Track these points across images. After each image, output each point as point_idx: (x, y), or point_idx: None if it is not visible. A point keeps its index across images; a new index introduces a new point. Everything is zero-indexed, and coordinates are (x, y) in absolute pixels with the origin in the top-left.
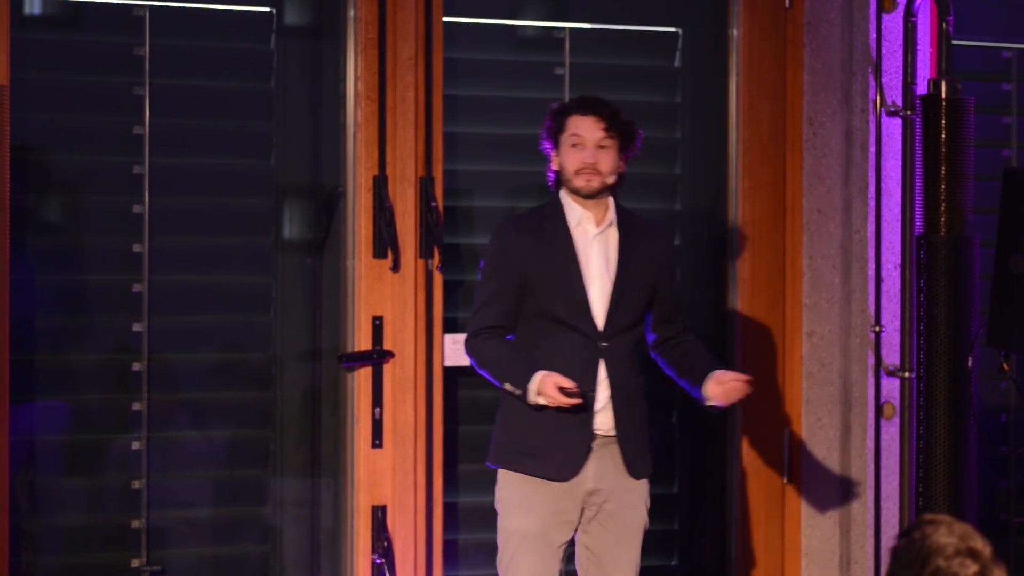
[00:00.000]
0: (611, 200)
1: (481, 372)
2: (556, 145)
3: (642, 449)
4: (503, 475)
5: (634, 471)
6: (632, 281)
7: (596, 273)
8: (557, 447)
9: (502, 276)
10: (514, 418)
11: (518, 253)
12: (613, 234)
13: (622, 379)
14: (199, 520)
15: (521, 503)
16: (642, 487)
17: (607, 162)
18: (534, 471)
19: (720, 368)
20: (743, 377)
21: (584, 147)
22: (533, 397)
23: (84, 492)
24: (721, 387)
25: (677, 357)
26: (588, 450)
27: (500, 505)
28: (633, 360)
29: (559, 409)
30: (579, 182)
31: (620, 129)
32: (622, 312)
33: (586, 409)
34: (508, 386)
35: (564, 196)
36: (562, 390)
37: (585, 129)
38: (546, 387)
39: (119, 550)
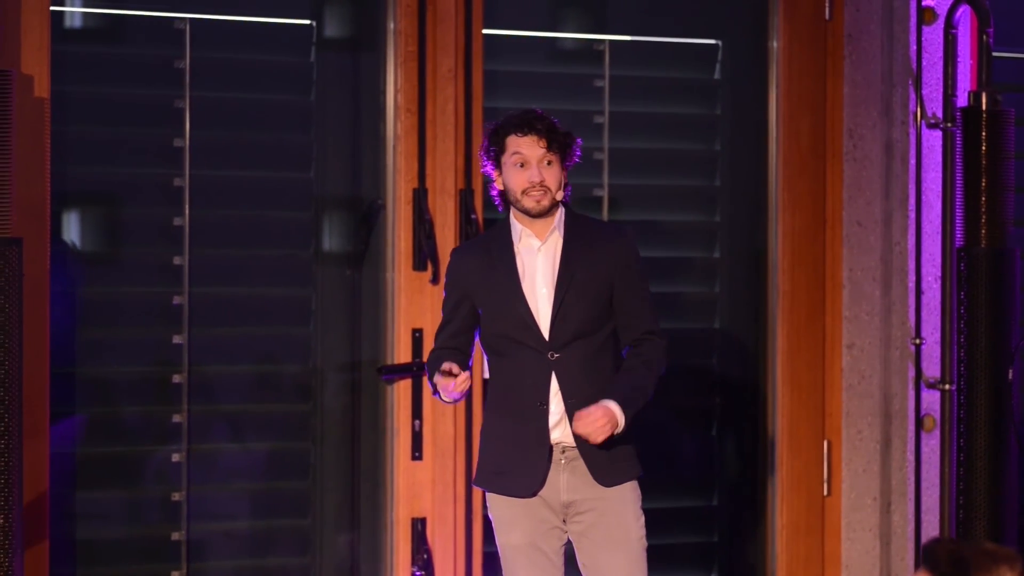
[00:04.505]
0: (560, 211)
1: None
2: (497, 165)
3: (613, 456)
4: (487, 494)
5: (602, 480)
6: (577, 288)
7: (541, 285)
8: (519, 464)
9: (452, 300)
10: (486, 439)
11: (464, 276)
12: (558, 244)
13: (575, 389)
14: (239, 532)
15: (504, 519)
16: (621, 494)
17: (553, 178)
18: (504, 489)
19: (615, 398)
20: (583, 414)
21: (529, 166)
22: (443, 397)
23: (124, 504)
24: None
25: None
26: (547, 464)
27: (492, 524)
28: (590, 368)
29: (524, 411)
30: (529, 202)
31: (560, 143)
32: (568, 321)
33: (555, 407)
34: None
35: (513, 214)
36: (444, 374)
37: (527, 147)
38: (434, 377)
39: (159, 562)
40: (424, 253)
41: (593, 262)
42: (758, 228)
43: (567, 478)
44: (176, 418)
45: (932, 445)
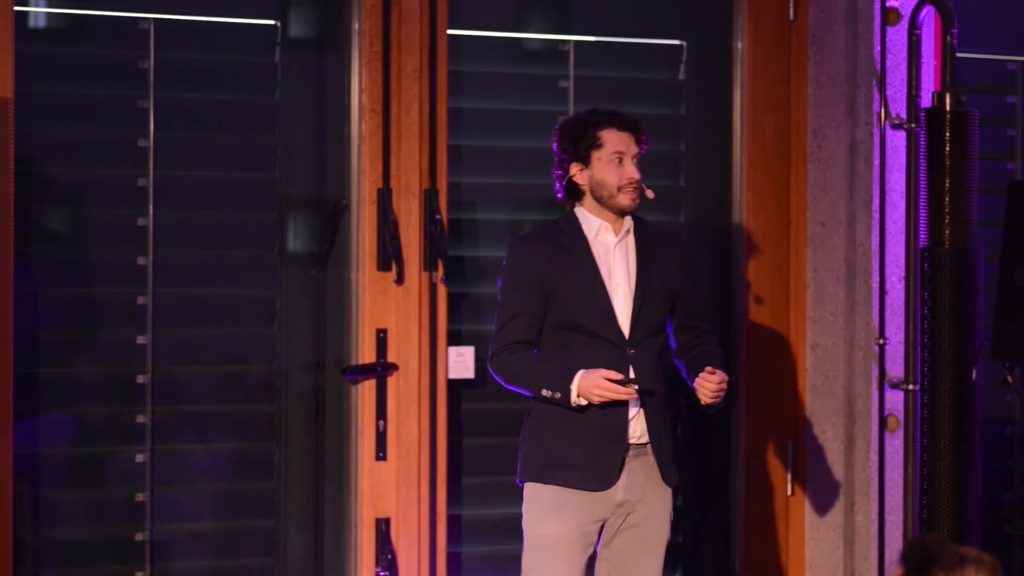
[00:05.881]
0: None
1: (511, 387)
2: (586, 160)
3: (672, 456)
4: (533, 488)
5: (667, 478)
6: (652, 288)
7: (618, 281)
8: (592, 458)
9: (525, 290)
10: (546, 431)
11: (539, 266)
12: (631, 243)
13: (651, 386)
14: (203, 533)
15: (553, 511)
16: (668, 499)
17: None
18: (569, 482)
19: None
20: (709, 371)
21: (627, 163)
22: (575, 399)
23: (88, 505)
24: (700, 385)
25: (691, 360)
26: (623, 460)
27: (529, 516)
28: (659, 367)
29: (604, 405)
30: (625, 199)
31: (647, 145)
32: (645, 319)
33: (633, 403)
34: (546, 392)
35: (580, 210)
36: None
37: (626, 144)
38: (592, 383)
39: (123, 563)
40: (388, 253)
41: (664, 263)
42: (722, 229)
43: (628, 477)
44: (140, 419)
45: (896, 445)
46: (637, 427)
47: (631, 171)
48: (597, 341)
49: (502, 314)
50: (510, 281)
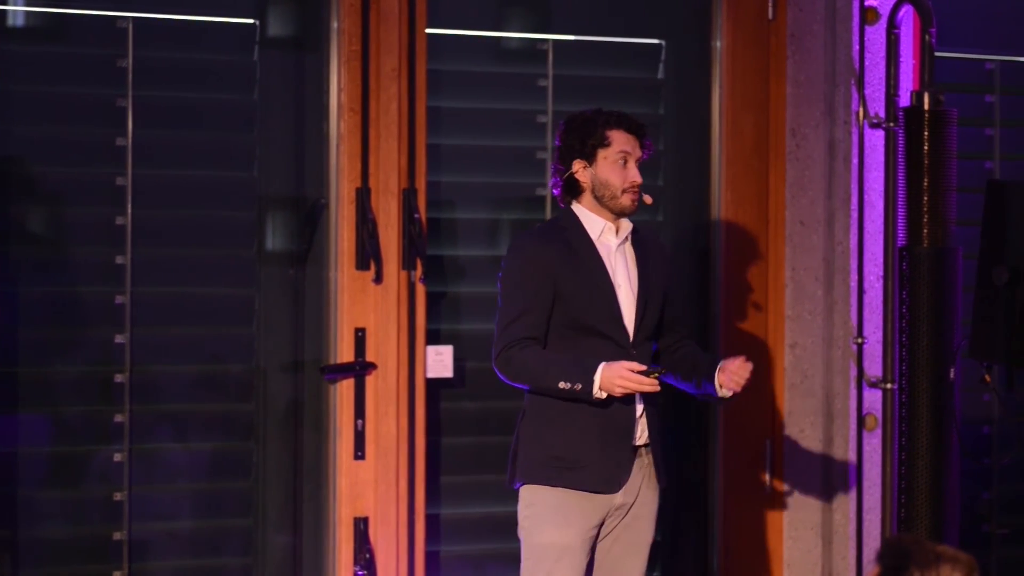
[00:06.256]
0: None
1: (517, 384)
2: (591, 157)
3: (663, 456)
4: (532, 491)
5: (661, 478)
6: (652, 290)
7: (621, 283)
8: (601, 458)
9: (533, 288)
10: (547, 433)
11: (550, 263)
12: (629, 245)
13: None
14: (181, 532)
15: (556, 517)
16: (656, 499)
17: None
18: (577, 484)
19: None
20: (741, 359)
21: (631, 165)
22: (597, 391)
23: (66, 504)
24: (726, 374)
25: (680, 360)
26: (631, 460)
27: (529, 521)
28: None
29: (612, 402)
30: (626, 201)
31: (649, 150)
32: (647, 320)
33: (640, 402)
34: (564, 384)
35: (579, 208)
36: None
37: (632, 146)
38: (616, 375)
39: (101, 562)
40: (367, 252)
41: (658, 266)
42: (701, 227)
43: (628, 478)
44: (118, 418)
45: (874, 444)
46: (641, 428)
47: (634, 174)
48: (605, 341)
49: (508, 311)
50: (516, 278)
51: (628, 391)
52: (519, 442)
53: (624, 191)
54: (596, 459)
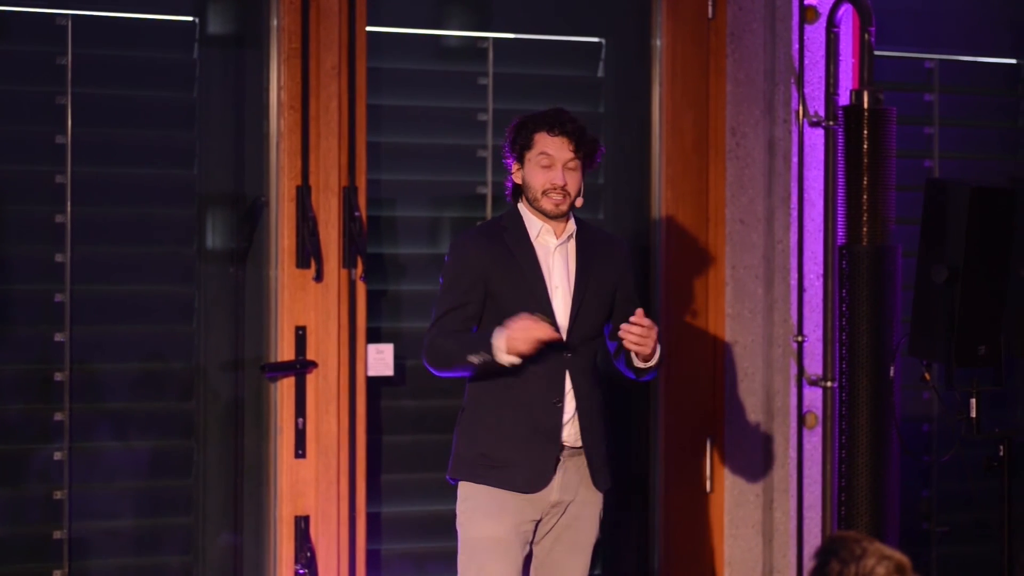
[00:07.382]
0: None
1: (443, 373)
2: (520, 159)
3: (605, 460)
4: (467, 487)
5: (598, 483)
6: (591, 292)
7: (557, 284)
8: (525, 459)
9: (464, 286)
10: (479, 431)
11: (480, 263)
12: (571, 246)
13: (586, 390)
14: (121, 530)
15: (488, 512)
16: (599, 501)
17: (574, 183)
18: (501, 483)
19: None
20: (644, 320)
21: (553, 168)
22: (502, 356)
23: (5, 502)
24: (623, 332)
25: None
26: (556, 462)
27: (464, 516)
28: (595, 371)
29: (537, 404)
30: (548, 204)
31: (587, 150)
32: (583, 322)
33: (568, 407)
34: (473, 357)
35: (523, 208)
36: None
37: (555, 149)
38: (512, 333)
39: (41, 561)
40: (308, 251)
41: (603, 268)
42: (641, 226)
43: (561, 477)
44: (58, 416)
45: (814, 442)
46: (571, 430)
47: (555, 176)
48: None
49: (439, 307)
50: (451, 276)
51: (532, 342)
52: (456, 437)
53: (544, 193)
54: (521, 459)
